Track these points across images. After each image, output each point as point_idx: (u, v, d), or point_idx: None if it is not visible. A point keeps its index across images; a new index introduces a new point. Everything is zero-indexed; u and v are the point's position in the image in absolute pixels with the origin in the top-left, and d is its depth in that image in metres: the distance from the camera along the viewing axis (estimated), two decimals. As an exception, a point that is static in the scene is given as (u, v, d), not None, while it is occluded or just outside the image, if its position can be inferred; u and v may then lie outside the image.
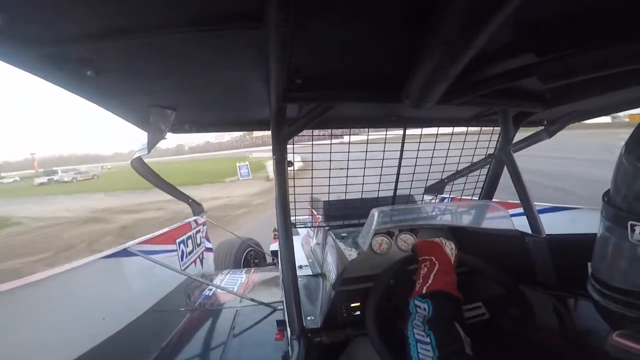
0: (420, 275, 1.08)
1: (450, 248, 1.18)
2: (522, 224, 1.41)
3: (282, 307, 1.88)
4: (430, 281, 1.03)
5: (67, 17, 0.66)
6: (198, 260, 3.20)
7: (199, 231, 3.26)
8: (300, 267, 1.88)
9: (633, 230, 0.57)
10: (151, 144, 1.55)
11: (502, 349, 1.13)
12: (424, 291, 1.00)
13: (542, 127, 1.79)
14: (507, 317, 1.23)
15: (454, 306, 0.98)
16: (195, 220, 3.21)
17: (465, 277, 1.39)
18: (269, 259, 4.05)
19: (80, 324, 1.65)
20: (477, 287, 1.40)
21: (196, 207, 3.25)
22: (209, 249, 3.55)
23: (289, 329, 1.21)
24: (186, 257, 2.92)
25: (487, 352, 1.13)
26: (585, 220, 2.09)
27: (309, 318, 1.29)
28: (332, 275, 1.34)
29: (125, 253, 2.05)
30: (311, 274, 1.80)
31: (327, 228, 1.74)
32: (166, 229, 2.73)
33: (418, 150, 1.71)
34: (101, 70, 0.89)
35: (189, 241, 3.03)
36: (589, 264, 1.07)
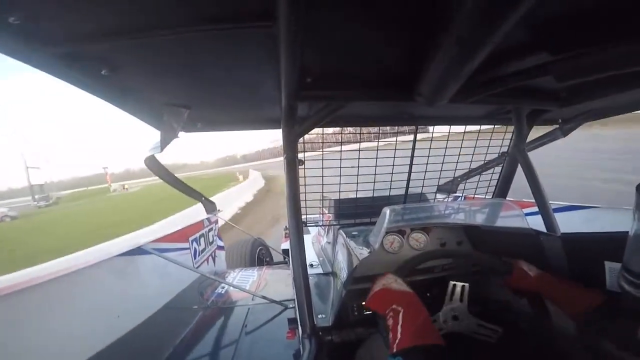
0: (388, 327, 0.96)
1: (395, 281, 1.11)
2: (536, 223, 1.39)
3: (293, 305, 1.89)
4: (399, 335, 0.91)
5: (81, 16, 0.67)
6: (210, 258, 3.22)
7: (211, 229, 3.28)
8: (311, 265, 1.88)
9: None
10: (164, 143, 1.56)
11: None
12: (394, 349, 0.88)
13: (557, 126, 1.75)
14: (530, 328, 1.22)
15: (430, 357, 0.86)
16: (208, 219, 3.23)
17: (479, 277, 1.38)
18: (280, 258, 4.07)
19: (94, 322, 1.67)
20: (486, 288, 1.39)
21: (209, 206, 3.27)
22: (220, 247, 3.57)
23: (300, 328, 1.22)
24: (199, 255, 2.94)
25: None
26: (601, 220, 2.05)
27: (320, 316, 1.29)
28: (343, 273, 1.34)
29: (139, 251, 2.07)
30: (322, 272, 1.80)
31: (337, 227, 1.74)
32: (179, 227, 2.75)
33: (430, 148, 1.70)
34: (115, 69, 0.91)
35: (202, 239, 3.05)
36: (606, 263, 1.05)
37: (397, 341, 0.90)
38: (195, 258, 2.86)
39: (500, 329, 1.14)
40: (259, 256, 3.99)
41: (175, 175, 2.45)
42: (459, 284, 1.20)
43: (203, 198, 3.18)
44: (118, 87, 1.07)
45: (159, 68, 0.97)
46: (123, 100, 1.22)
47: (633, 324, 0.79)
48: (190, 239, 2.83)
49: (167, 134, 1.48)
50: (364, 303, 1.36)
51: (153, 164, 2.09)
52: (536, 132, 1.77)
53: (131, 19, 0.69)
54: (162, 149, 1.63)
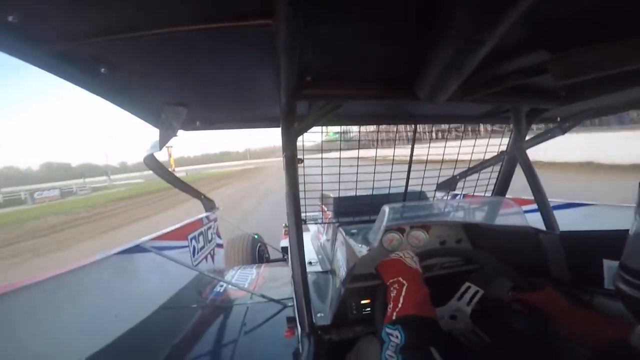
0: (390, 298, 1.02)
1: (410, 257, 1.15)
2: (536, 220, 1.40)
3: (292, 303, 1.89)
4: (400, 304, 0.96)
5: (80, 15, 0.67)
6: (209, 256, 3.22)
7: (210, 227, 3.28)
8: (310, 263, 1.88)
9: None
10: (163, 142, 1.56)
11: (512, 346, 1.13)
12: (394, 317, 0.92)
13: (556, 124, 1.76)
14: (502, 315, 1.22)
15: (427, 330, 0.89)
16: (207, 217, 3.23)
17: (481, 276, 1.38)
18: (279, 255, 4.08)
19: (93, 321, 1.67)
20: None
21: (208, 204, 3.28)
22: (219, 245, 3.58)
23: (299, 326, 1.22)
24: (198, 253, 2.95)
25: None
26: (599, 217, 2.06)
27: (319, 315, 1.29)
28: (342, 271, 1.34)
29: (138, 249, 2.07)
30: (321, 270, 1.80)
31: (337, 224, 1.74)
32: (178, 225, 2.76)
33: (429, 147, 1.70)
34: (115, 67, 0.90)
35: (201, 237, 3.05)
36: (605, 261, 1.05)
37: (397, 309, 0.95)
38: (194, 256, 2.86)
39: (489, 340, 1.16)
40: (259, 253, 4.00)
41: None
42: (474, 288, 1.21)
43: (202, 196, 3.18)
44: (117, 85, 1.07)
45: (157, 66, 0.97)
46: (122, 99, 1.22)
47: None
48: (189, 236, 2.83)
49: (166, 133, 1.48)
50: (362, 301, 1.36)
51: (152, 163, 2.09)
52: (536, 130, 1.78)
53: (130, 18, 0.69)
54: (161, 148, 1.62)
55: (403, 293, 1.00)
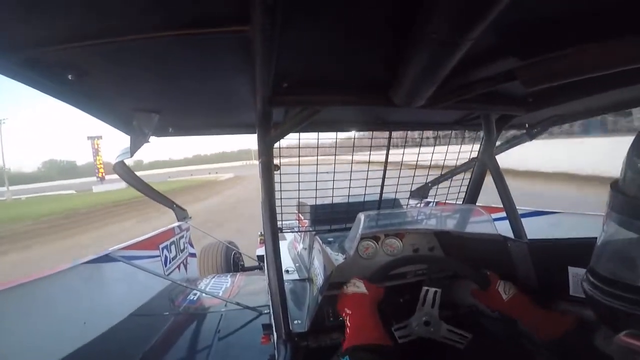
0: (344, 330, 1.07)
1: (353, 284, 1.18)
2: (506, 229, 1.44)
3: (268, 311, 1.87)
4: (347, 334, 1.02)
5: (45, 21, 0.64)
6: (182, 265, 3.16)
7: (182, 237, 3.22)
8: (287, 271, 1.87)
9: None
10: (134, 148, 1.52)
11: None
12: (343, 349, 0.97)
13: (524, 131, 1.82)
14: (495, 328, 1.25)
15: (372, 357, 0.91)
16: (179, 226, 3.18)
17: (451, 282, 1.41)
18: (254, 264, 4.03)
19: (60, 329, 1.63)
20: (457, 293, 1.42)
21: (180, 213, 3.21)
22: (192, 255, 3.51)
23: (275, 333, 1.20)
24: (170, 262, 2.88)
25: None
26: (564, 225, 2.16)
27: (295, 322, 1.28)
28: (319, 279, 1.34)
29: (107, 259, 2.02)
30: (298, 278, 1.79)
31: (314, 233, 1.73)
32: (148, 235, 2.70)
33: (403, 154, 1.73)
34: (83, 74, 0.87)
35: (172, 247, 2.99)
36: (570, 268, 1.09)
37: (346, 340, 0.99)
38: (165, 265, 2.79)
39: (470, 335, 1.17)
40: (234, 261, 3.94)
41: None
42: (432, 290, 1.22)
43: (174, 205, 3.12)
44: (85, 92, 1.03)
45: (129, 72, 0.94)
46: (91, 106, 1.18)
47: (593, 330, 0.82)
48: (160, 246, 2.77)
49: (138, 139, 1.44)
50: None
51: (122, 170, 2.03)
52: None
53: (97, 23, 0.66)
54: (132, 154, 1.58)
55: (348, 322, 1.06)
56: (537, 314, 1.11)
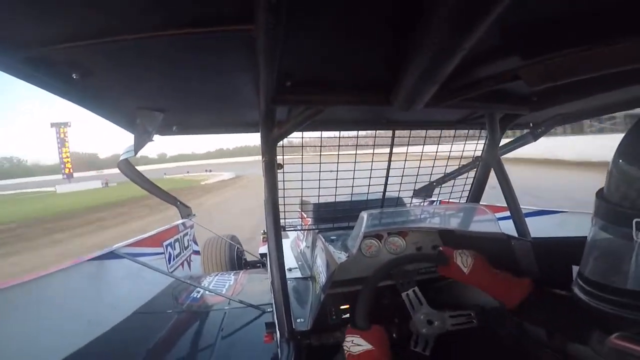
0: None
1: (350, 341, 1.07)
2: (509, 227, 1.43)
3: (271, 309, 1.88)
4: None
5: (51, 20, 0.64)
6: (185, 262, 3.17)
7: (186, 234, 3.23)
8: (290, 269, 1.87)
9: (639, 229, 0.54)
10: (138, 146, 1.53)
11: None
12: None
13: (528, 130, 1.81)
14: (500, 325, 1.25)
15: None
16: (183, 223, 3.19)
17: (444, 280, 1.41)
18: (258, 262, 4.04)
19: (64, 327, 1.64)
20: (466, 295, 1.42)
21: (184, 210, 3.22)
22: (196, 252, 3.52)
23: (278, 331, 1.21)
24: (173, 259, 2.89)
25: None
26: (569, 224, 2.15)
27: (298, 320, 1.28)
28: (322, 277, 1.34)
29: (112, 256, 2.03)
30: (300, 276, 1.80)
31: (316, 231, 1.74)
32: (153, 232, 2.71)
33: (407, 152, 1.73)
34: (88, 73, 0.88)
35: (177, 244, 3.00)
36: (574, 267, 1.09)
37: None
38: (169, 262, 2.81)
39: (470, 312, 1.20)
40: (238, 255, 3.96)
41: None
42: (410, 291, 1.23)
43: (178, 202, 3.13)
44: (90, 91, 1.04)
45: (133, 71, 0.94)
46: (95, 104, 1.19)
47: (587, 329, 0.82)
48: (165, 243, 2.78)
49: (141, 138, 1.45)
50: (342, 307, 1.37)
51: (127, 168, 2.04)
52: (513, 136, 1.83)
53: (103, 22, 0.66)
54: (136, 153, 1.59)
55: None
56: (497, 280, 1.15)
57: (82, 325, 1.73)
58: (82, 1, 0.60)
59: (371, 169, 1.70)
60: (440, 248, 1.26)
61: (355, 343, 1.05)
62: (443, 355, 1.20)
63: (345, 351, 1.07)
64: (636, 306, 0.56)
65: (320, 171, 1.66)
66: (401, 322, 1.26)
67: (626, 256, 0.58)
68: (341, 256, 1.31)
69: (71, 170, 36.13)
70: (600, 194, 0.64)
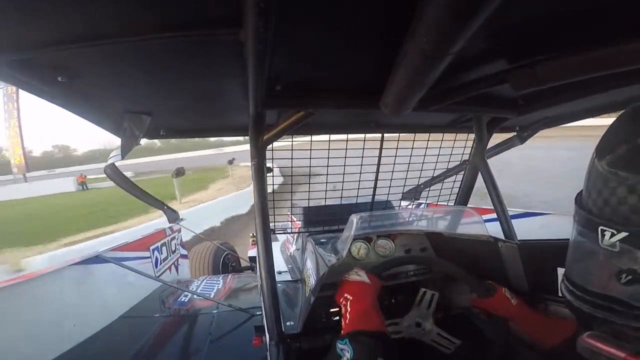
0: (343, 315, 1.06)
1: (355, 273, 1.17)
2: (497, 230, 1.45)
3: (260, 312, 1.87)
4: (347, 320, 1.02)
5: (37, 23, 0.63)
6: (173, 267, 3.14)
7: (173, 238, 3.21)
8: (279, 272, 1.86)
9: (603, 236, 0.57)
10: (125, 150, 1.50)
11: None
12: (343, 333, 0.97)
13: (515, 133, 1.84)
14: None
15: (373, 342, 0.91)
16: (170, 228, 3.16)
17: (445, 283, 1.42)
18: (246, 265, 4.02)
19: (49, 331, 1.62)
20: (451, 295, 1.43)
21: (171, 214, 3.18)
22: (184, 256, 3.49)
23: (267, 335, 1.20)
24: (160, 264, 2.87)
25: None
26: (554, 226, 2.19)
27: (288, 323, 1.28)
28: (312, 280, 1.34)
29: (97, 260, 2.01)
30: (290, 279, 1.79)
31: (306, 234, 1.73)
32: (139, 237, 2.70)
33: (395, 156, 1.74)
34: (74, 76, 0.86)
35: (164, 248, 2.98)
36: (559, 269, 1.11)
37: (345, 325, 1.00)
38: (156, 267, 2.79)
39: (459, 341, 1.19)
40: (224, 261, 3.92)
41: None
42: (430, 292, 1.23)
43: (165, 207, 3.09)
44: (76, 94, 1.02)
45: (120, 75, 0.93)
46: (81, 107, 1.17)
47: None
48: (151, 247, 2.77)
49: (128, 141, 1.43)
50: (332, 310, 1.37)
51: (113, 173, 2.01)
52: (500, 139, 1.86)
53: (89, 26, 0.66)
54: (123, 157, 1.57)
55: (348, 308, 1.05)
56: (537, 319, 1.12)
57: (67, 329, 1.71)
58: (68, 4, 0.59)
59: (360, 172, 1.71)
60: (489, 282, 1.22)
61: (358, 274, 1.16)
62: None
63: (344, 279, 1.16)
64: (602, 306, 0.60)
65: (310, 175, 1.66)
66: (398, 311, 1.27)
67: (593, 260, 0.61)
68: (331, 259, 1.31)
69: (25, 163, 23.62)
70: (578, 198, 0.66)
